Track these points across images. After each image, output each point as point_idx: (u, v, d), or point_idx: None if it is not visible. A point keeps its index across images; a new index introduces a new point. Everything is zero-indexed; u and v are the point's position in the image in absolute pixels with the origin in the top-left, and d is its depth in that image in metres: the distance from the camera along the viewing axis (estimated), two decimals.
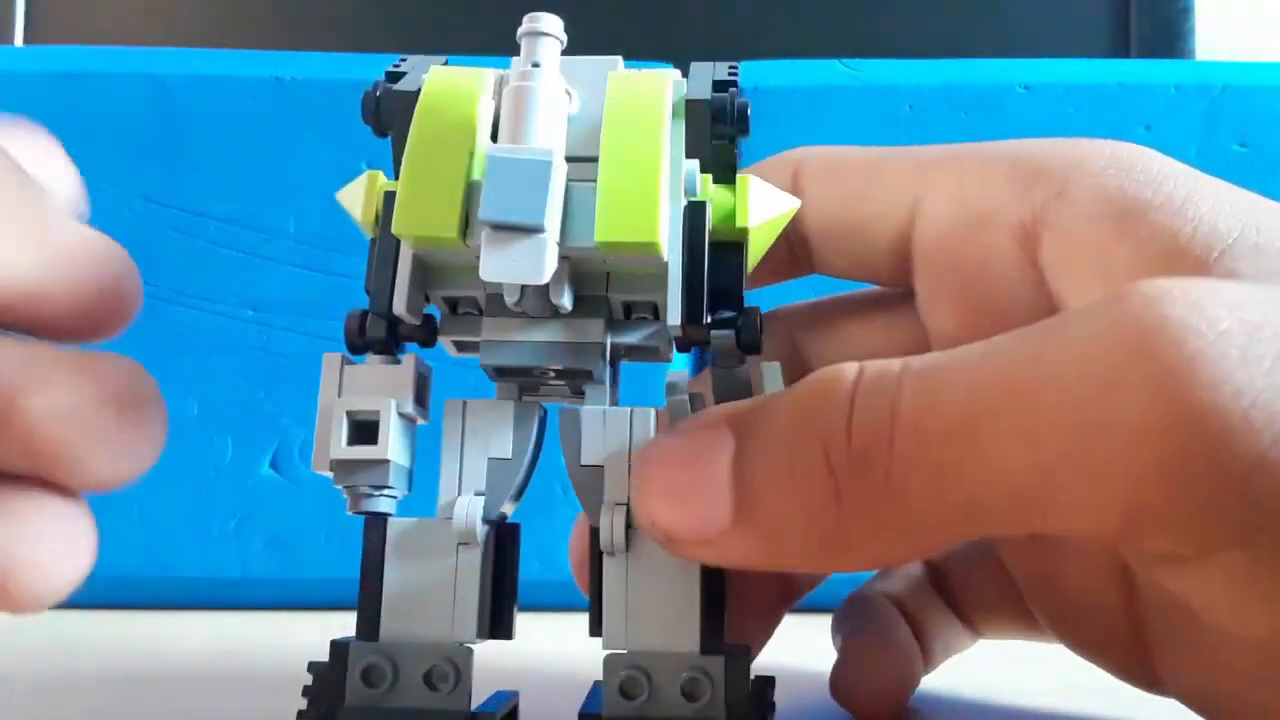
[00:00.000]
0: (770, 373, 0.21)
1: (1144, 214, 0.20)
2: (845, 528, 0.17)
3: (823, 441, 0.17)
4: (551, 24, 0.21)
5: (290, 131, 0.46)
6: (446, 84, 0.21)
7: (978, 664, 0.29)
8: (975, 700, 0.28)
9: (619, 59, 0.23)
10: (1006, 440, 0.16)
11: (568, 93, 0.21)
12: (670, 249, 0.20)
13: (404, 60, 0.23)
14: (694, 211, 0.21)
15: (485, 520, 0.21)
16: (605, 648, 0.21)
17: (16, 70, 0.46)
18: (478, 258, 0.19)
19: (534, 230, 0.19)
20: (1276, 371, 0.15)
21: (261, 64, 0.46)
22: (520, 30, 0.21)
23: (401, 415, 0.21)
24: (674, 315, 0.21)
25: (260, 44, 0.62)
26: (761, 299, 0.26)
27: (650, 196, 0.20)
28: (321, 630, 0.24)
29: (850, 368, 0.18)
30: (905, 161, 0.25)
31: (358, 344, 0.22)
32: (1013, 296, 0.22)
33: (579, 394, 0.23)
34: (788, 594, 0.28)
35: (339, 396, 0.21)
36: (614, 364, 0.23)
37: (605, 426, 0.22)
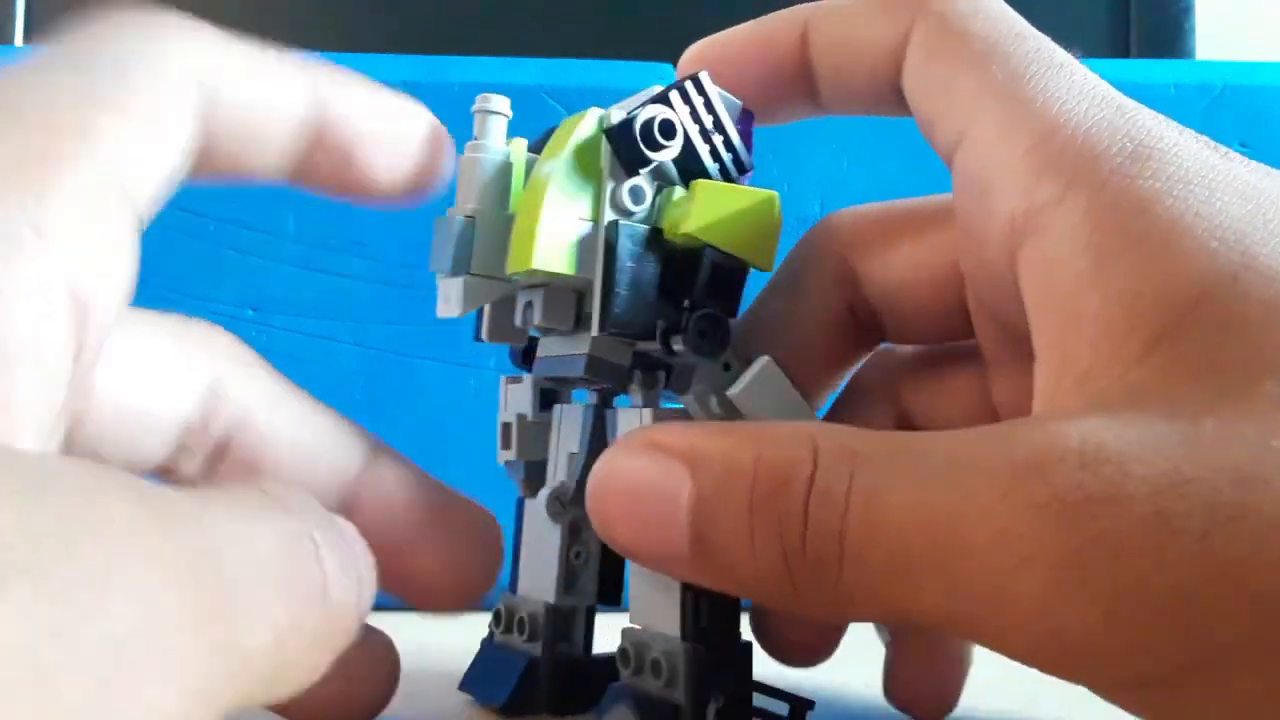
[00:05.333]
0: (755, 370, 0.23)
1: (1125, 254, 0.19)
2: (801, 604, 0.20)
3: (781, 542, 0.19)
4: (498, 104, 0.25)
5: None
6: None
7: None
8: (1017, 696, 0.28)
9: (655, 89, 0.24)
10: (931, 588, 0.18)
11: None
12: (598, 267, 0.23)
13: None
14: (608, 230, 0.23)
15: (565, 502, 0.25)
16: (630, 622, 0.24)
17: None
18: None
19: (455, 275, 0.24)
20: (1154, 570, 0.16)
21: None
22: (474, 106, 0.25)
23: (533, 422, 0.27)
24: (595, 325, 0.23)
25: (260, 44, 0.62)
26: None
27: (529, 230, 0.23)
28: None
29: (804, 458, 0.19)
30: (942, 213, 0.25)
31: (514, 364, 0.27)
32: (994, 274, 0.22)
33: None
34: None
35: (503, 411, 0.28)
36: (660, 368, 0.25)
37: (626, 426, 0.24)
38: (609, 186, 0.23)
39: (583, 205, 0.23)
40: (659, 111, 0.23)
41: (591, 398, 0.26)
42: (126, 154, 0.18)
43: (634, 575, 0.24)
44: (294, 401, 0.24)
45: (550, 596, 0.26)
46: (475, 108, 0.25)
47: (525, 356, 0.27)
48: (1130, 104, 0.21)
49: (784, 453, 0.19)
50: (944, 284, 0.25)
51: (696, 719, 0.22)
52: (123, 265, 0.18)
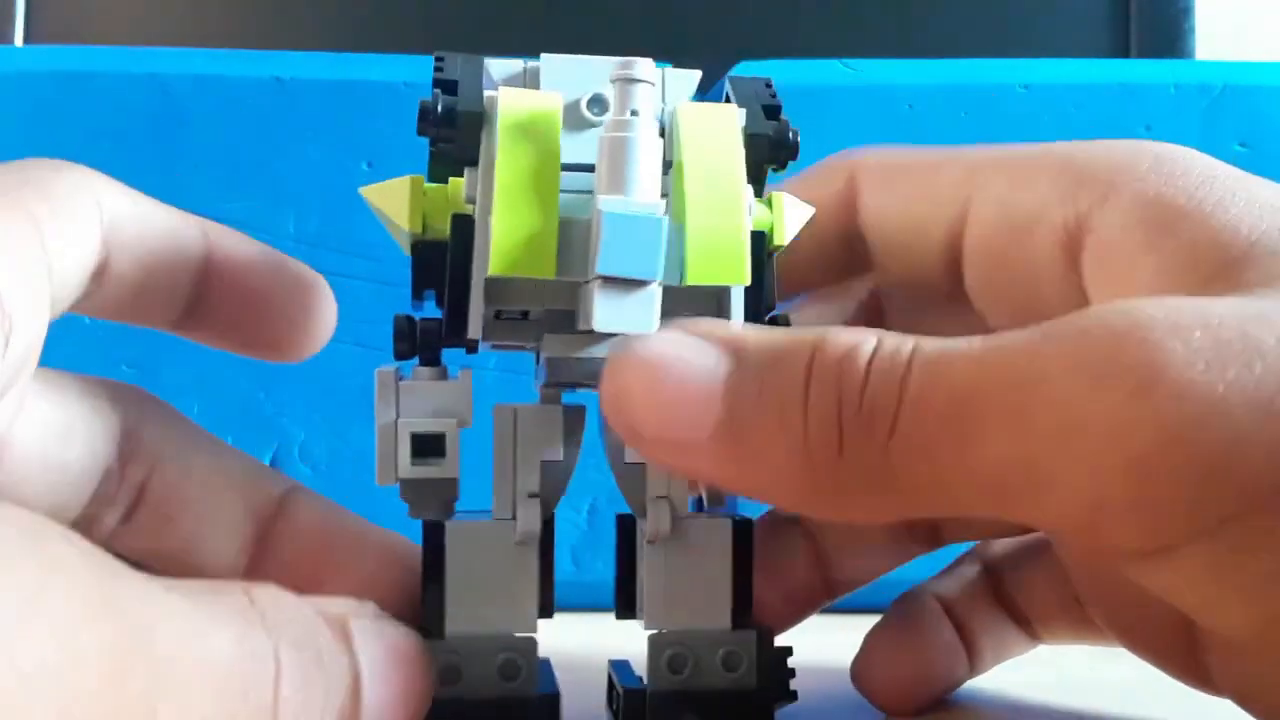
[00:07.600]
0: None
1: (1175, 222, 0.20)
2: (839, 477, 0.19)
3: (838, 396, 0.18)
4: (645, 70, 0.21)
5: (290, 131, 0.46)
6: (524, 114, 0.21)
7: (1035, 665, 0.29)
8: (1017, 698, 0.28)
9: (696, 74, 0.23)
10: (995, 431, 0.17)
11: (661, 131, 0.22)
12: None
13: (442, 61, 0.23)
14: (756, 241, 0.22)
15: (546, 519, 0.23)
16: (647, 628, 0.23)
17: (16, 70, 0.46)
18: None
19: (645, 283, 0.20)
20: (1238, 382, 0.16)
21: (261, 64, 0.46)
22: (613, 75, 0.21)
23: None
24: None
25: (260, 44, 0.62)
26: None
27: (737, 240, 0.21)
28: None
29: (869, 340, 0.19)
30: (958, 165, 0.25)
31: (404, 352, 0.23)
32: (1057, 299, 0.23)
33: None
34: (827, 590, 0.28)
35: (398, 415, 0.22)
36: None
37: None
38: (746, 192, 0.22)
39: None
40: (789, 125, 0.23)
41: (553, 398, 0.24)
42: (47, 230, 0.19)
43: (655, 576, 0.23)
44: (206, 443, 0.24)
45: (527, 627, 0.23)
46: (615, 75, 0.21)
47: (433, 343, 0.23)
48: None
49: (849, 335, 0.19)
50: (934, 227, 0.26)
51: (770, 702, 0.23)
52: (42, 297, 0.19)
